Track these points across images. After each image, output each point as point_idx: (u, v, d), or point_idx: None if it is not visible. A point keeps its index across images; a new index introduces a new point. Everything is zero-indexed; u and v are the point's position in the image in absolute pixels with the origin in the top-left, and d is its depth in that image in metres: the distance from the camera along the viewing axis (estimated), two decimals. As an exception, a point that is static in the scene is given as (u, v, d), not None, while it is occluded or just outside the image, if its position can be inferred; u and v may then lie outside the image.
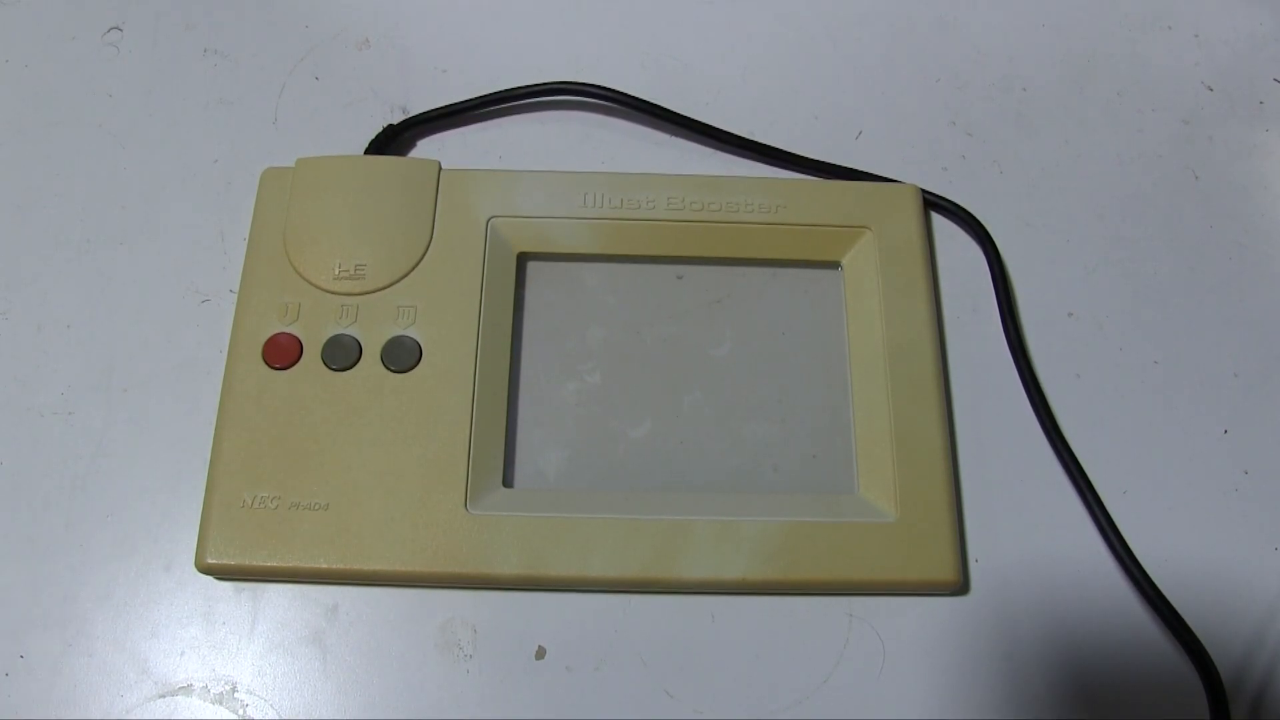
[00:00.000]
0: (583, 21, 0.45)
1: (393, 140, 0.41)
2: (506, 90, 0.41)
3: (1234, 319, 0.39)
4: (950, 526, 0.34)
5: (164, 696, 0.33)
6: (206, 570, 0.33)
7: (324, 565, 0.33)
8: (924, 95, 0.43)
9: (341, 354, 0.35)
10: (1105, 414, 0.37)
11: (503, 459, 0.35)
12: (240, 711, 0.32)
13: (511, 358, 0.36)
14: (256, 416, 0.34)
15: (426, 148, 0.42)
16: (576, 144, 0.42)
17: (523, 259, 0.38)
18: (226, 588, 0.34)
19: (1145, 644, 0.34)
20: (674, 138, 0.42)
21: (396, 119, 0.41)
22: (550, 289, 0.38)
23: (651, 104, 0.41)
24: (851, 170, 0.41)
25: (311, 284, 0.36)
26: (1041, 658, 0.33)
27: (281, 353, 0.35)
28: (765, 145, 0.41)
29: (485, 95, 0.41)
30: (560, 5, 0.45)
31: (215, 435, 0.34)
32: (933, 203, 0.40)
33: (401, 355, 0.35)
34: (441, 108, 0.41)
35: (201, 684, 0.33)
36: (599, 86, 0.41)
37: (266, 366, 0.35)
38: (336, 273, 0.36)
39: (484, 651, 0.33)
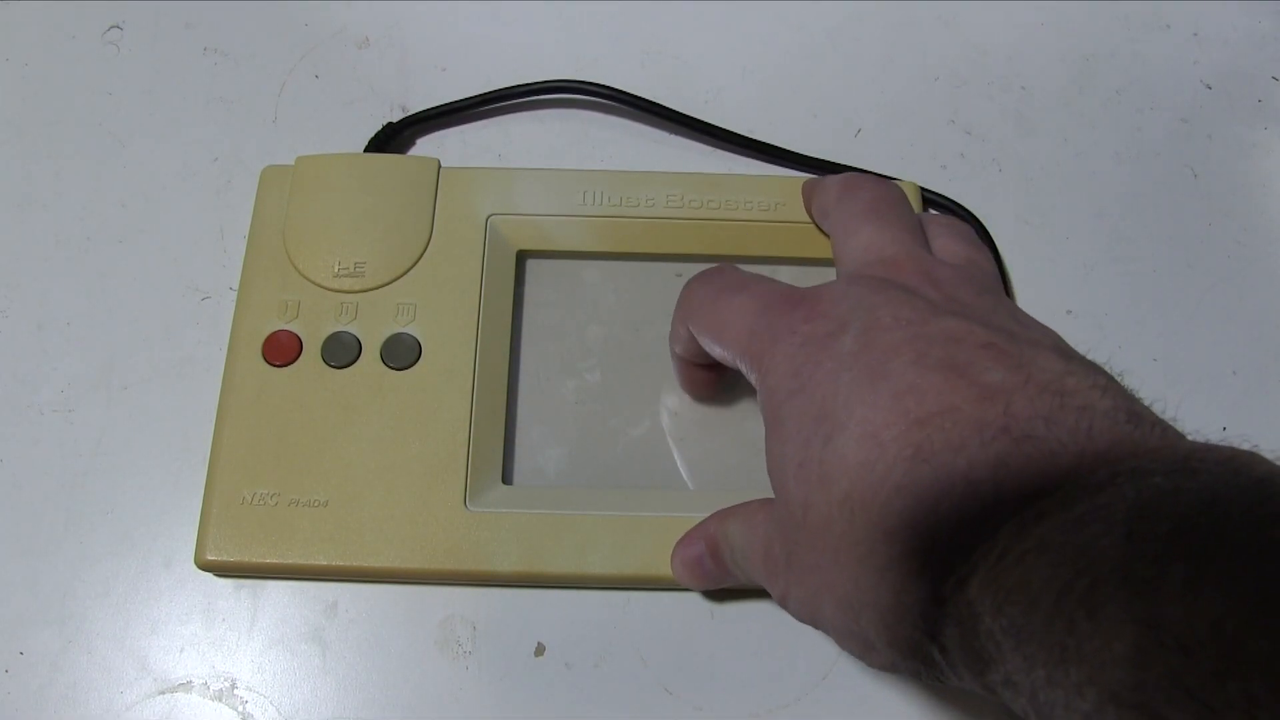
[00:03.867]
0: (583, 21, 0.45)
1: (392, 138, 0.41)
2: (506, 88, 0.41)
3: (1233, 317, 0.39)
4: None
5: (163, 693, 0.33)
6: (206, 567, 0.33)
7: (323, 562, 0.33)
8: (923, 93, 0.43)
9: (341, 351, 0.35)
10: (1104, 411, 0.37)
11: (502, 456, 0.35)
12: (240, 708, 0.32)
13: (511, 355, 0.36)
14: (256, 414, 0.34)
15: (426, 146, 0.42)
16: (576, 142, 0.42)
17: (522, 257, 0.38)
18: (226, 584, 0.34)
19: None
20: (673, 136, 0.42)
21: (396, 117, 0.41)
22: (550, 287, 0.38)
23: (651, 102, 0.41)
24: (851, 168, 0.41)
25: (311, 281, 0.36)
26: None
27: (281, 350, 0.35)
28: (765, 143, 0.41)
29: (484, 93, 0.41)
30: (560, 5, 0.45)
31: (215, 432, 0.34)
32: (932, 200, 0.40)
33: (401, 353, 0.35)
34: (441, 106, 0.41)
35: (201, 681, 0.33)
36: (598, 85, 0.41)
37: (266, 364, 0.35)
38: (336, 270, 0.37)
39: (483, 648, 0.33)
